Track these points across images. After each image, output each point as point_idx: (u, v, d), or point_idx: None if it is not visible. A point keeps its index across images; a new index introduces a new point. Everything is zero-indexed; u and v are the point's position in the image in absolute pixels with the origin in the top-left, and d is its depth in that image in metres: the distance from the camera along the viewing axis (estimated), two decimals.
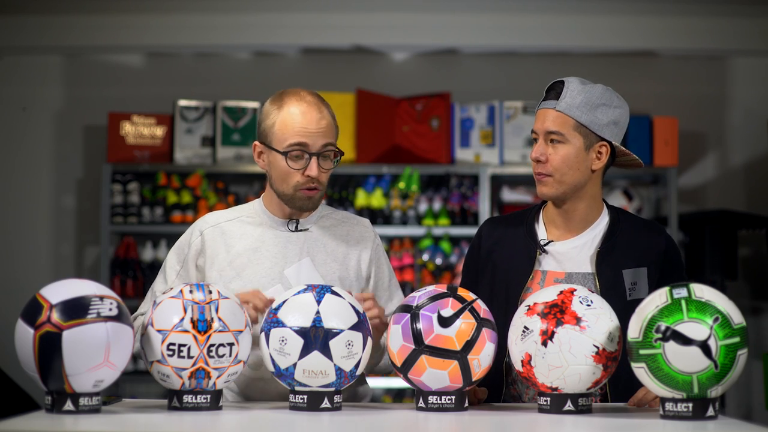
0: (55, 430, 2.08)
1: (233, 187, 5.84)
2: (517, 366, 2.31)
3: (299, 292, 2.33)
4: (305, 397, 2.30)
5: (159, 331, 2.24)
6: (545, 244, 2.61)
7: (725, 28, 5.83)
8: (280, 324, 2.29)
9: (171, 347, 2.23)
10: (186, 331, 2.24)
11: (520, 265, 2.60)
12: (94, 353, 2.14)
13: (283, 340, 2.27)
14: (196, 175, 5.66)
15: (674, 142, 5.60)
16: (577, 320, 2.24)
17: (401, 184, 5.60)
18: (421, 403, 2.33)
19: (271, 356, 2.30)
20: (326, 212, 2.72)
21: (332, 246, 2.68)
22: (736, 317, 2.14)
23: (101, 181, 5.62)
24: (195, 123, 5.70)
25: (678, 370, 2.12)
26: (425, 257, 5.57)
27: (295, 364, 2.27)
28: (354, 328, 2.30)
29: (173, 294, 2.29)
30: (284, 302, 2.32)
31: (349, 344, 2.28)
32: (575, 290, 2.29)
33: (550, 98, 2.56)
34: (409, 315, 2.31)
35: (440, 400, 2.31)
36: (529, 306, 2.30)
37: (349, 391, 2.60)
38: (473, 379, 2.31)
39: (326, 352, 2.26)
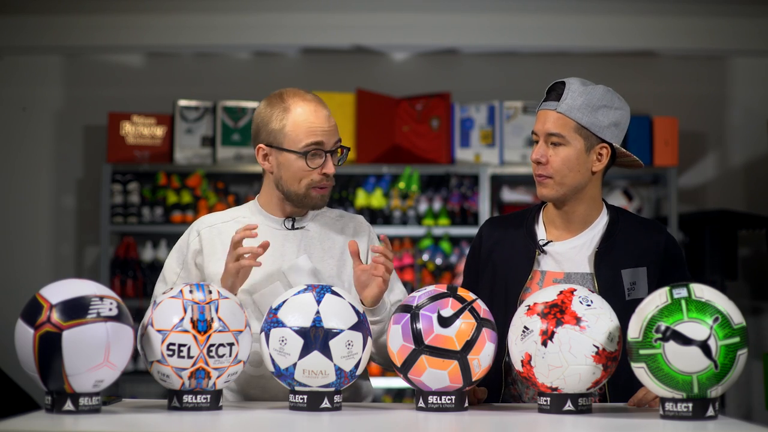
0: (55, 430, 2.08)
1: (233, 187, 5.84)
2: (517, 366, 2.31)
3: (299, 292, 2.33)
4: (305, 397, 2.30)
5: (159, 331, 2.24)
6: (544, 245, 2.61)
7: (725, 28, 5.83)
8: (280, 324, 2.29)
9: (171, 347, 2.23)
10: (186, 331, 2.24)
11: (520, 266, 2.60)
12: (94, 353, 2.14)
13: (283, 340, 2.27)
14: (196, 175, 5.66)
15: (674, 142, 5.60)
16: (577, 320, 2.24)
17: (401, 184, 5.60)
18: (421, 403, 2.33)
19: (271, 356, 2.30)
20: (321, 210, 2.73)
21: (329, 242, 2.69)
22: (736, 317, 2.14)
23: (101, 181, 5.62)
24: (195, 123, 5.70)
25: (678, 370, 2.12)
26: (425, 257, 5.57)
27: (295, 364, 2.27)
28: (354, 328, 2.30)
29: (173, 294, 2.29)
30: (284, 302, 2.32)
31: (349, 344, 2.29)
32: (575, 290, 2.29)
33: (550, 99, 2.56)
34: (409, 315, 2.32)
35: (440, 400, 2.31)
36: (529, 306, 2.30)
37: (351, 389, 2.59)
38: (473, 379, 2.31)
39: (326, 352, 2.27)
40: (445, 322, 2.29)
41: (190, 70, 6.06)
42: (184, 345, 2.23)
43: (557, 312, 2.25)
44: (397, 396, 5.60)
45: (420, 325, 2.29)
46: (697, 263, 5.50)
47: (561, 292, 2.29)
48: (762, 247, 5.87)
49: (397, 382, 5.32)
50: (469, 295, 2.35)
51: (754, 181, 6.02)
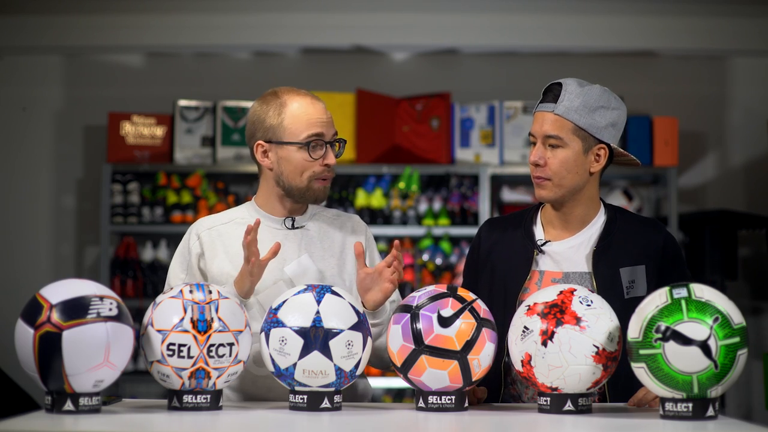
0: (55, 430, 2.08)
1: (233, 187, 5.84)
2: (517, 366, 2.31)
3: (299, 292, 2.33)
4: (305, 397, 2.30)
5: (159, 331, 2.24)
6: (542, 245, 2.61)
7: (725, 28, 5.83)
8: (280, 324, 2.29)
9: (171, 347, 2.23)
10: (186, 331, 2.24)
11: (518, 266, 2.60)
12: (94, 353, 2.14)
13: (283, 340, 2.27)
14: (196, 175, 5.66)
15: (674, 142, 5.60)
16: (577, 320, 2.24)
17: (401, 184, 5.60)
18: (421, 403, 2.33)
19: (271, 356, 2.30)
20: (318, 210, 2.74)
21: (328, 241, 2.69)
22: (736, 317, 2.14)
23: (101, 181, 5.62)
24: (195, 123, 5.70)
25: (678, 370, 2.12)
26: (425, 257, 5.57)
27: (295, 364, 2.27)
28: (354, 328, 2.30)
29: (173, 294, 2.29)
30: (284, 302, 2.32)
31: (349, 344, 2.29)
32: (575, 290, 2.30)
33: (547, 101, 2.55)
34: (409, 315, 2.32)
35: (440, 400, 2.31)
36: (529, 306, 2.30)
37: (348, 389, 2.59)
38: (473, 379, 2.31)
39: (326, 352, 2.27)
40: (445, 322, 2.29)
41: (190, 70, 6.06)
42: (184, 345, 2.23)
43: (557, 312, 2.25)
44: (397, 396, 5.60)
45: (420, 325, 2.29)
46: (697, 263, 5.50)
47: (561, 292, 2.29)
48: (762, 247, 5.87)
49: (397, 382, 5.32)
50: (469, 295, 2.35)
51: (754, 181, 6.02)
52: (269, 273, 2.58)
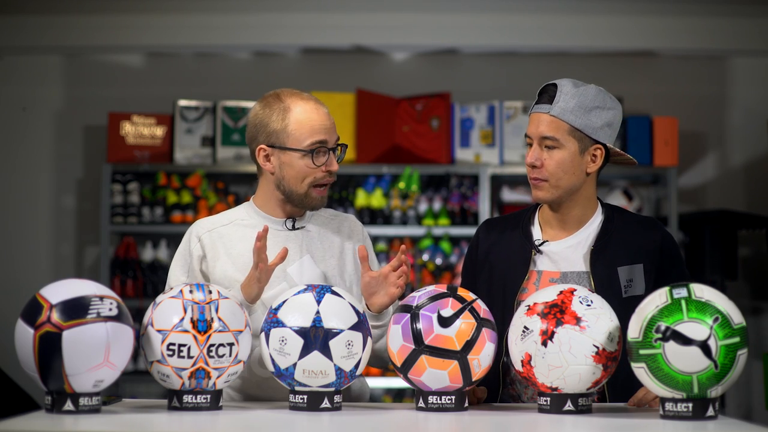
0: (55, 430, 2.08)
1: (233, 187, 5.84)
2: (517, 366, 2.31)
3: (299, 292, 2.33)
4: (305, 397, 2.30)
5: (159, 331, 2.24)
6: (540, 245, 2.61)
7: (725, 28, 5.83)
8: (280, 324, 2.29)
9: (171, 347, 2.23)
10: (186, 331, 2.24)
11: (516, 266, 2.60)
12: (94, 353, 2.14)
13: (283, 340, 2.27)
14: (196, 175, 5.66)
15: (674, 142, 5.60)
16: (577, 320, 2.24)
17: (401, 184, 5.60)
18: (421, 403, 2.33)
19: (271, 356, 2.30)
20: (315, 210, 2.73)
21: (328, 242, 2.69)
22: (736, 317, 2.14)
23: (101, 181, 5.62)
24: (195, 123, 5.70)
25: (678, 370, 2.12)
26: (425, 257, 5.57)
27: (295, 364, 2.27)
28: (354, 328, 2.30)
29: (173, 294, 2.29)
30: (284, 302, 2.32)
31: (349, 344, 2.29)
32: (575, 290, 2.30)
33: (543, 102, 2.55)
34: (409, 315, 2.32)
35: (440, 400, 2.31)
36: (529, 306, 2.30)
37: (344, 390, 2.59)
38: (473, 379, 2.31)
39: (326, 352, 2.27)
40: (445, 322, 2.29)
41: (190, 70, 6.06)
42: (184, 345, 2.23)
43: (557, 312, 2.25)
44: (397, 396, 5.60)
45: (420, 325, 2.29)
46: (697, 263, 5.50)
47: (561, 292, 2.29)
48: (762, 247, 5.87)
49: (397, 382, 5.32)
50: (469, 295, 2.35)
51: (754, 181, 6.02)
52: (272, 275, 2.58)
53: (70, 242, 5.97)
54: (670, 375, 2.12)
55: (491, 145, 5.68)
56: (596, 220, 2.63)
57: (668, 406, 2.17)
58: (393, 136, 5.67)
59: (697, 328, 2.11)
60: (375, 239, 5.50)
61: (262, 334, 2.32)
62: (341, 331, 2.28)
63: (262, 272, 2.46)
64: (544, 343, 2.24)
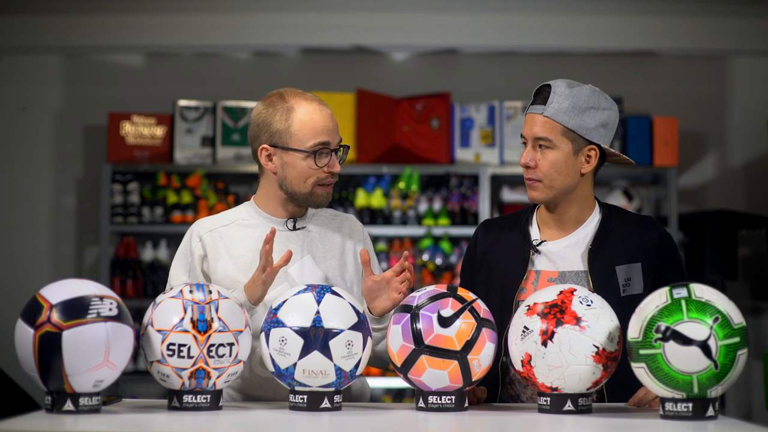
0: (55, 430, 2.08)
1: (233, 187, 5.84)
2: (517, 366, 2.31)
3: (299, 292, 2.33)
4: (305, 397, 2.30)
5: (159, 331, 2.24)
6: (538, 244, 2.61)
7: (725, 28, 5.83)
8: (280, 324, 2.29)
9: (171, 347, 2.23)
10: (186, 331, 2.24)
11: (515, 266, 2.60)
12: (94, 353, 2.14)
13: (283, 340, 2.27)
14: (196, 175, 5.66)
15: (674, 142, 5.60)
16: (577, 320, 2.24)
17: (401, 184, 5.60)
18: (421, 403, 2.33)
19: (271, 356, 2.30)
20: (316, 210, 2.73)
21: (329, 242, 2.69)
22: (736, 317, 2.14)
23: (101, 181, 5.62)
24: (195, 123, 5.70)
25: (678, 370, 2.12)
26: (425, 257, 5.57)
27: (295, 364, 2.27)
28: (354, 328, 2.30)
29: (173, 294, 2.29)
30: (284, 302, 2.32)
31: (349, 344, 2.29)
32: (575, 290, 2.30)
33: (537, 103, 2.56)
34: (409, 315, 2.32)
35: (440, 400, 2.31)
36: (529, 306, 2.30)
37: (344, 390, 2.59)
38: (473, 379, 2.31)
39: (326, 352, 2.27)
40: (445, 322, 2.29)
41: (190, 70, 6.06)
42: (184, 345, 2.23)
43: (557, 312, 2.25)
44: (397, 396, 5.60)
45: (420, 325, 2.29)
46: (697, 263, 5.50)
47: (561, 292, 2.29)
48: (762, 247, 5.87)
49: (397, 382, 5.32)
50: (469, 295, 2.35)
51: (754, 181, 6.02)
52: None
53: (70, 242, 5.97)
54: (670, 375, 2.12)
55: (491, 145, 5.68)
56: (594, 220, 2.63)
57: (668, 406, 2.17)
58: (393, 136, 5.67)
59: (697, 328, 2.11)
60: (375, 239, 5.50)
61: (262, 334, 2.32)
62: (341, 331, 2.28)
63: (269, 275, 2.46)
64: (544, 343, 2.24)
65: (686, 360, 2.11)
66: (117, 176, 5.63)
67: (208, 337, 2.24)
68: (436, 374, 2.29)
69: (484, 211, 5.56)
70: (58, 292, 2.17)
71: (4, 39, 5.86)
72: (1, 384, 5.28)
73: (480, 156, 5.67)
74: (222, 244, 2.64)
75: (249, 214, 2.69)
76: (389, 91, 5.78)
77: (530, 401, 2.56)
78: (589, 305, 2.27)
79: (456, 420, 2.25)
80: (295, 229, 2.67)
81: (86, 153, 5.99)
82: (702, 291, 2.16)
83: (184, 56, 6.06)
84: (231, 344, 2.27)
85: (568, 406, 2.27)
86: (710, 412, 2.15)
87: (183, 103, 5.70)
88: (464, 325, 2.29)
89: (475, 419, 2.27)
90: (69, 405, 2.17)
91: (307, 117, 2.59)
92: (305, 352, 2.26)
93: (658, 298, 2.17)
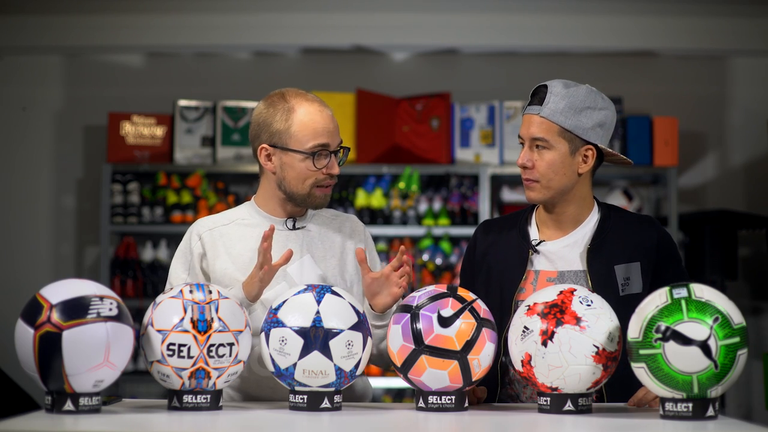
0: (55, 430, 2.08)
1: (233, 187, 5.84)
2: (517, 366, 2.31)
3: (299, 292, 2.33)
4: (305, 397, 2.30)
5: (159, 331, 2.24)
6: (537, 244, 2.61)
7: (725, 28, 5.83)
8: (280, 324, 2.29)
9: (171, 347, 2.23)
10: (186, 331, 2.24)
11: (514, 266, 2.61)
12: (94, 353, 2.14)
13: (283, 340, 2.27)
14: (196, 175, 5.66)
15: (674, 142, 5.60)
16: (577, 320, 2.24)
17: (401, 184, 5.60)
18: (421, 403, 2.33)
19: (271, 356, 2.30)
20: (316, 210, 2.73)
21: (329, 242, 2.69)
22: (736, 317, 2.14)
23: (101, 181, 5.62)
24: (195, 123, 5.70)
25: (678, 370, 2.12)
26: (425, 257, 5.57)
27: (295, 364, 2.27)
28: (354, 328, 2.30)
29: (173, 294, 2.29)
30: (284, 302, 2.32)
31: (349, 344, 2.29)
32: (575, 290, 2.30)
33: (534, 103, 2.56)
34: (409, 315, 2.32)
35: (440, 400, 2.31)
36: (529, 306, 2.30)
37: (348, 389, 2.59)
38: (473, 379, 2.31)
39: (326, 352, 2.27)
40: (445, 322, 2.29)
41: (190, 70, 6.06)
42: (184, 345, 2.23)
43: (557, 312, 2.25)
44: (397, 396, 5.60)
45: (420, 325, 2.29)
46: (697, 263, 5.50)
47: (561, 292, 2.29)
48: (762, 247, 5.87)
49: (397, 382, 5.32)
50: (469, 295, 2.35)
51: (754, 181, 6.02)
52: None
53: (70, 242, 5.97)
54: (670, 375, 2.12)
55: (491, 145, 5.68)
56: (592, 219, 2.63)
57: (668, 406, 2.17)
58: (393, 136, 5.67)
59: (697, 328, 2.11)
60: (375, 239, 5.47)
61: (262, 334, 2.32)
62: (341, 331, 2.28)
63: (266, 273, 2.46)
64: (544, 343, 2.24)
65: (686, 360, 2.11)
66: (117, 176, 5.63)
67: (208, 337, 2.24)
68: (436, 374, 2.29)
69: (484, 211, 5.56)
70: (58, 292, 2.17)
71: (4, 39, 5.86)
72: (1, 384, 5.28)
73: (480, 156, 5.67)
74: (221, 243, 2.64)
75: (249, 214, 2.69)
76: (389, 91, 5.78)
77: (530, 401, 2.56)
78: (589, 305, 2.27)
79: (456, 420, 2.25)
80: (294, 228, 2.67)
81: (86, 153, 5.99)
82: (702, 291, 2.16)
83: (184, 56, 6.06)
84: (231, 344, 2.27)
85: (568, 406, 2.27)
86: (710, 412, 2.15)
87: (183, 103, 5.70)
88: (464, 325, 2.29)
89: (475, 419, 2.27)
90: (69, 405, 2.17)
91: (307, 118, 2.59)
92: (305, 352, 2.26)
93: (658, 298, 2.18)
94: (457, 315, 2.30)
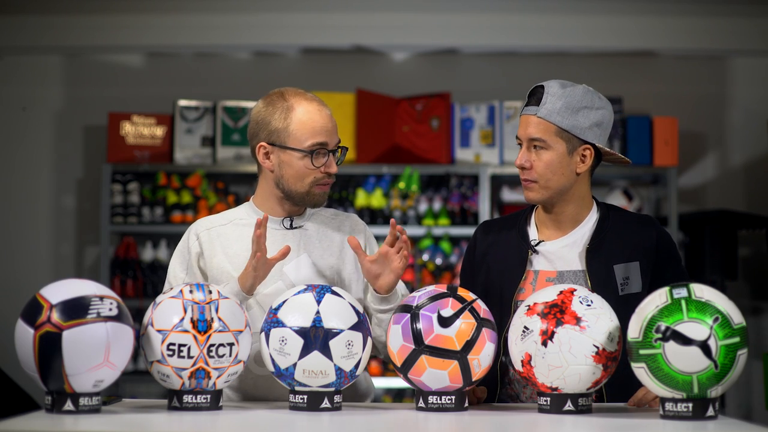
0: (55, 430, 2.08)
1: (233, 187, 5.84)
2: (517, 366, 2.31)
3: (299, 292, 2.33)
4: (305, 397, 2.30)
5: (159, 331, 2.24)
6: (536, 245, 2.62)
7: (725, 28, 5.83)
8: (280, 324, 2.29)
9: (171, 347, 2.23)
10: (186, 331, 2.24)
11: (513, 266, 2.61)
12: (94, 353, 2.14)
13: (283, 340, 2.28)
14: (196, 175, 5.66)
15: (674, 142, 5.60)
16: (577, 320, 2.24)
17: (401, 184, 5.60)
18: (421, 403, 2.33)
19: (271, 356, 2.30)
20: (315, 210, 2.74)
21: (328, 241, 2.69)
22: (736, 317, 2.14)
23: (101, 181, 5.62)
24: (195, 123, 5.70)
25: (678, 370, 2.12)
26: (425, 257, 5.57)
27: (295, 364, 2.27)
28: (354, 328, 2.30)
29: (173, 294, 2.29)
30: (284, 302, 2.32)
31: (349, 344, 2.29)
32: (575, 290, 2.30)
33: (531, 104, 2.57)
34: (409, 315, 2.32)
35: (440, 400, 2.31)
36: (529, 306, 2.31)
37: (349, 391, 2.59)
38: (473, 379, 2.31)
39: (326, 352, 2.27)
40: (445, 322, 2.29)
41: (190, 70, 6.06)
42: (184, 345, 2.23)
43: (557, 312, 2.25)
44: (397, 396, 5.60)
45: (420, 325, 2.29)
46: (697, 263, 5.50)
47: (561, 292, 2.29)
48: (762, 247, 5.87)
49: (397, 382, 5.32)
50: (469, 295, 2.36)
51: (754, 181, 6.02)
52: (269, 273, 2.58)
53: (70, 242, 5.97)
54: (670, 375, 2.12)
55: (491, 145, 5.68)
56: (591, 219, 2.63)
57: (668, 406, 2.17)
58: (393, 136, 5.67)
59: (697, 328, 2.11)
60: (375, 239, 5.49)
61: (262, 334, 2.32)
62: (341, 331, 2.28)
63: (259, 262, 2.46)
64: (544, 343, 2.24)
65: (686, 360, 2.11)
66: (117, 176, 5.63)
67: (208, 337, 2.24)
68: (436, 374, 2.29)
69: (484, 211, 5.56)
70: (58, 292, 2.17)
71: (4, 39, 5.85)
72: (1, 384, 5.28)
73: (480, 156, 5.67)
74: (219, 242, 2.65)
75: (247, 214, 2.70)
76: (389, 91, 5.78)
77: (530, 401, 2.56)
78: (589, 305, 2.27)
79: (456, 420, 2.25)
80: (292, 227, 2.68)
81: (86, 153, 5.99)
82: (702, 291, 2.16)
83: (184, 56, 6.06)
84: (231, 344, 2.27)
85: (568, 406, 2.27)
86: (710, 412, 2.15)
87: (183, 103, 5.70)
88: (464, 325, 2.29)
89: (475, 419, 2.27)
90: (69, 405, 2.17)
91: (306, 117, 2.60)
92: (305, 352, 2.26)
93: (658, 298, 2.18)
94: (457, 315, 2.30)
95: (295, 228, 2.68)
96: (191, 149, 5.68)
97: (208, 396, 2.29)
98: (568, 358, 2.23)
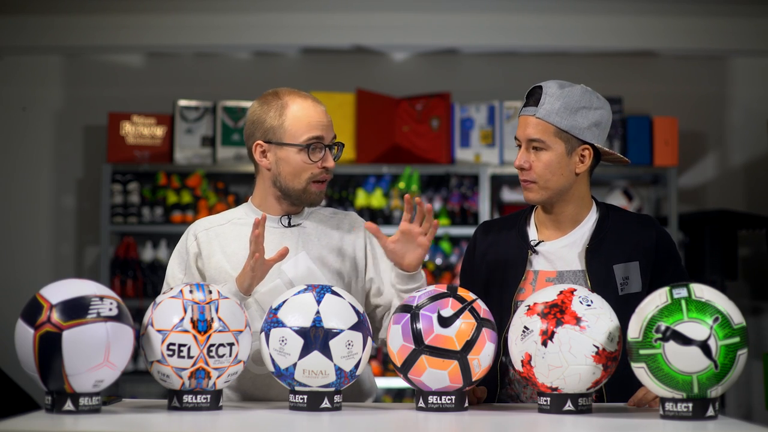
0: (55, 430, 2.08)
1: (233, 187, 5.84)
2: (517, 366, 2.31)
3: (299, 292, 2.33)
4: (305, 397, 2.30)
5: (159, 331, 2.25)
6: (536, 245, 2.62)
7: (725, 28, 5.83)
8: (280, 324, 2.29)
9: (171, 347, 2.23)
10: (186, 331, 2.24)
11: (513, 267, 2.61)
12: (94, 353, 2.14)
13: (283, 340, 2.28)
14: (196, 175, 5.66)
15: (674, 142, 5.60)
16: (577, 320, 2.24)
17: (401, 184, 5.60)
18: (421, 403, 2.33)
19: (271, 356, 2.30)
20: (314, 208, 2.74)
21: (326, 239, 2.70)
22: (736, 317, 2.14)
23: (101, 181, 5.62)
24: (195, 123, 5.70)
25: (678, 370, 2.12)
26: (425, 257, 5.56)
27: (295, 364, 2.27)
28: (354, 328, 2.30)
29: (173, 294, 2.29)
30: (284, 302, 2.32)
31: (349, 344, 2.29)
32: (575, 290, 2.30)
33: (529, 104, 2.57)
34: (409, 315, 2.32)
35: (440, 400, 2.31)
36: (529, 306, 2.31)
37: (353, 388, 2.59)
38: (473, 379, 2.31)
39: (326, 352, 2.27)
40: (445, 322, 2.29)
41: (190, 70, 6.06)
42: (184, 345, 2.23)
43: (557, 312, 2.25)
44: (397, 396, 5.60)
45: (420, 325, 2.29)
46: (697, 263, 5.50)
47: (561, 292, 2.29)
48: (762, 247, 5.87)
49: (397, 382, 5.32)
50: (469, 295, 2.36)
51: (754, 181, 6.02)
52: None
53: (70, 242, 5.97)
54: (670, 375, 2.12)
55: (491, 145, 5.68)
56: (591, 219, 2.63)
57: (668, 406, 2.17)
58: (393, 136, 5.67)
59: (697, 328, 2.11)
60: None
61: (262, 334, 2.32)
62: (341, 331, 2.28)
63: (257, 262, 2.47)
64: (544, 343, 2.24)
65: (686, 360, 2.11)
66: (117, 176, 5.63)
67: (208, 337, 2.24)
68: (436, 374, 2.29)
69: (484, 211, 5.56)
70: (58, 292, 2.17)
71: (4, 39, 5.85)
72: (1, 384, 5.28)
73: (480, 156, 5.67)
74: (217, 242, 2.65)
75: (246, 214, 2.70)
76: (389, 91, 5.78)
77: (530, 401, 2.56)
78: (589, 305, 2.27)
79: (456, 420, 2.25)
80: (290, 226, 2.68)
81: (86, 153, 5.99)
82: (702, 291, 2.16)
83: (184, 56, 6.06)
84: (231, 344, 2.27)
85: (568, 406, 2.27)
86: (710, 412, 2.15)
87: (183, 103, 5.70)
88: (464, 325, 2.29)
89: (475, 419, 2.27)
90: (69, 405, 2.17)
91: (301, 112, 2.61)
92: (305, 352, 2.26)
93: (658, 298, 2.18)
94: (457, 315, 2.30)
95: (294, 226, 2.68)
96: (191, 149, 5.68)
97: (208, 396, 2.29)
98: (568, 358, 2.23)
